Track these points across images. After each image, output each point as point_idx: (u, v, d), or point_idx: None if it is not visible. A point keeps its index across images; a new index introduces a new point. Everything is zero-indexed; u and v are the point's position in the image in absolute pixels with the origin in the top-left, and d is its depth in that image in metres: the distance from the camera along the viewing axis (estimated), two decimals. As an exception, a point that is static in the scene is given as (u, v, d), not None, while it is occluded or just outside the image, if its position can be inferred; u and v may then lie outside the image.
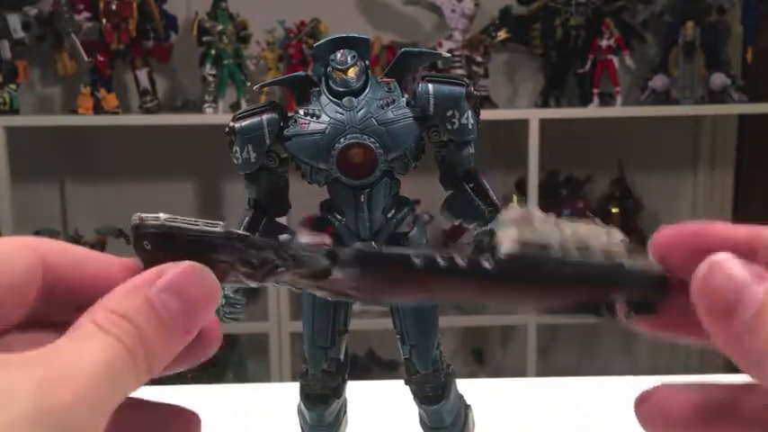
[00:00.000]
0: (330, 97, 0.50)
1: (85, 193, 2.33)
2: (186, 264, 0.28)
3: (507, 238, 0.30)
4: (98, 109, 2.03)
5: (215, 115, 2.03)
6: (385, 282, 0.30)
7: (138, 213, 0.29)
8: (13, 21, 2.03)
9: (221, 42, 2.03)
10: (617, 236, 0.31)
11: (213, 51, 2.03)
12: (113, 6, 2.01)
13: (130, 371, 0.25)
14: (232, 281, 0.30)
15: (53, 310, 0.29)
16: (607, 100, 2.09)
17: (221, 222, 0.29)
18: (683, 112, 2.13)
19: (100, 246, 2.12)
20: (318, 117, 0.49)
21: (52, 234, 2.12)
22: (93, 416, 0.24)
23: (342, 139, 0.49)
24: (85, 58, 2.04)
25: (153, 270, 0.28)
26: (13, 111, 2.03)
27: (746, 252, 0.29)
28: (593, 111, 2.07)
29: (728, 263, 0.28)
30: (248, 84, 2.05)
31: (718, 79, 2.04)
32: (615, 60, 2.06)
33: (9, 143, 1.97)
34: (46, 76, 2.24)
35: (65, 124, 2.14)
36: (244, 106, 2.03)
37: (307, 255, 0.30)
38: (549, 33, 2.14)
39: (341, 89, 0.50)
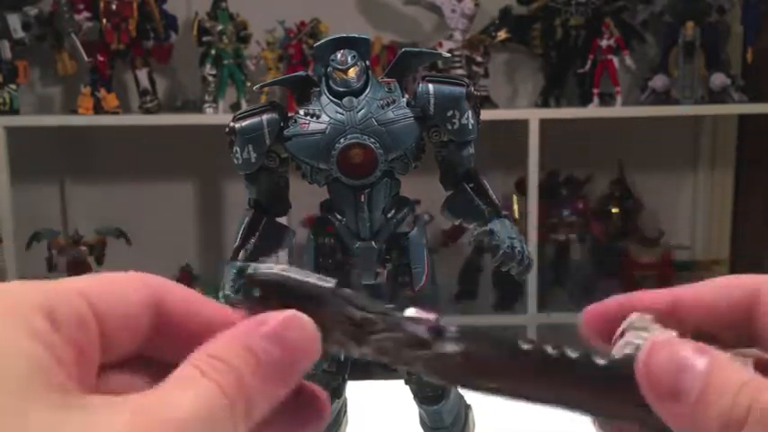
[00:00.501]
0: (330, 97, 0.50)
1: (85, 193, 2.32)
2: (289, 313, 0.28)
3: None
4: (98, 109, 2.03)
5: (215, 115, 2.03)
6: (489, 364, 0.29)
7: (254, 264, 0.30)
8: (13, 21, 2.03)
9: (221, 42, 2.03)
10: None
11: (213, 51, 2.03)
12: (113, 6, 2.01)
13: (227, 416, 0.25)
14: (334, 340, 0.29)
15: (159, 349, 0.29)
16: (607, 100, 2.09)
17: (333, 280, 0.29)
18: (683, 112, 2.13)
19: (100, 246, 2.12)
20: (318, 117, 0.49)
21: (53, 234, 2.12)
22: None
23: (342, 140, 0.49)
24: (85, 58, 2.04)
25: (256, 318, 0.28)
26: (13, 111, 2.03)
27: (670, 315, 0.30)
28: (594, 111, 2.07)
29: (667, 343, 0.27)
30: (248, 84, 2.05)
31: (718, 79, 2.04)
32: (615, 60, 2.06)
33: (9, 143, 1.97)
34: (46, 76, 2.24)
35: (65, 124, 2.14)
36: (244, 106, 2.03)
37: (411, 324, 0.29)
38: (549, 33, 2.13)
39: (341, 89, 0.50)
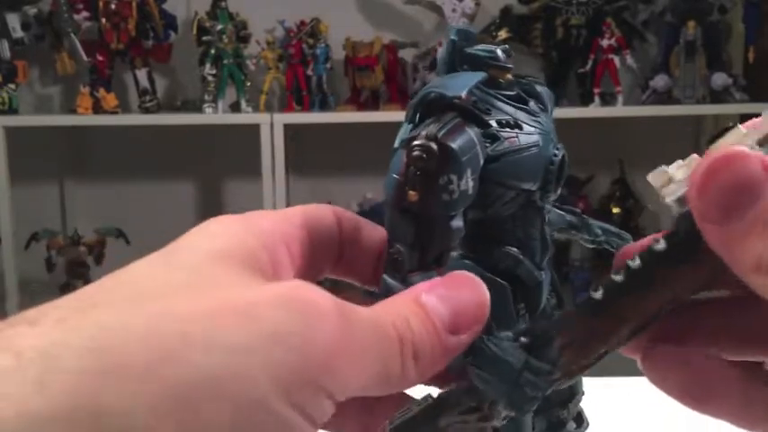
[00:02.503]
0: (513, 103, 0.38)
1: (85, 193, 2.32)
2: (459, 273, 0.29)
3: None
4: (97, 109, 2.02)
5: (215, 115, 2.02)
6: (587, 336, 0.29)
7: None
8: (13, 20, 2.03)
9: (221, 42, 2.02)
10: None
11: (213, 51, 2.02)
12: (113, 6, 2.00)
13: (396, 349, 0.26)
14: None
15: (342, 269, 0.33)
16: (608, 100, 2.09)
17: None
18: (685, 112, 2.12)
19: (99, 246, 2.11)
20: (521, 128, 0.37)
21: (51, 234, 2.11)
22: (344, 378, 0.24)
23: (556, 151, 0.40)
24: (85, 58, 2.04)
25: (430, 281, 0.29)
26: (13, 110, 2.03)
27: None
28: (594, 110, 2.06)
29: (734, 157, 0.24)
30: (248, 83, 2.05)
31: (720, 79, 2.04)
32: (616, 60, 2.06)
33: (8, 143, 1.96)
34: (45, 76, 2.23)
35: (64, 124, 2.13)
36: (243, 106, 2.02)
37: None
38: (550, 33, 2.13)
39: (510, 92, 0.39)
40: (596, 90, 2.06)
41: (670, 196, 0.27)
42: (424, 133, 0.31)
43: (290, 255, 0.29)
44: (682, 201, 0.27)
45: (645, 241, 0.29)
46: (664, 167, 0.28)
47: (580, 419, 0.40)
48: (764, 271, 0.23)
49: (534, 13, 2.14)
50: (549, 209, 0.39)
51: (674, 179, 0.27)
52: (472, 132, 0.34)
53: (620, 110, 2.07)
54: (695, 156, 0.27)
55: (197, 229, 0.29)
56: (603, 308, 0.28)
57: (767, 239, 0.23)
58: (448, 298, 0.28)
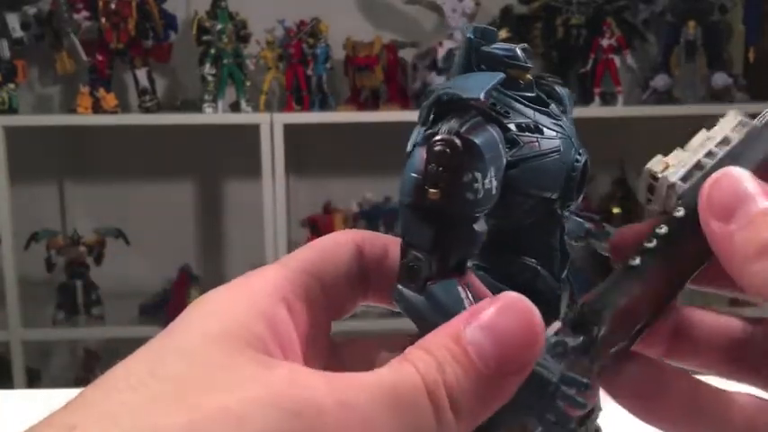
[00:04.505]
0: (533, 105, 0.36)
1: (84, 193, 2.32)
2: (507, 297, 0.26)
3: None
4: (97, 108, 2.02)
5: (214, 115, 2.02)
6: (633, 304, 0.29)
7: None
8: (12, 20, 2.03)
9: (221, 42, 2.02)
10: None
11: (213, 51, 2.02)
12: (113, 5, 2.00)
13: (426, 404, 0.23)
14: None
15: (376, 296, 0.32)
16: (608, 99, 2.09)
17: None
18: (685, 112, 2.12)
19: (99, 246, 2.11)
20: (542, 132, 0.35)
21: (51, 234, 2.11)
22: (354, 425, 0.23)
23: (578, 156, 0.37)
24: (84, 58, 2.04)
25: (473, 308, 0.26)
26: (12, 110, 2.02)
27: None
28: (595, 110, 2.06)
29: (733, 175, 0.28)
30: (248, 83, 2.05)
31: (720, 79, 2.03)
32: (616, 60, 2.06)
33: (8, 143, 1.96)
34: (45, 76, 2.23)
35: (64, 124, 2.13)
36: (243, 106, 2.02)
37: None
38: (550, 32, 2.13)
39: (531, 94, 0.36)
40: (596, 90, 2.06)
41: (674, 176, 0.31)
42: (445, 128, 0.29)
43: (292, 316, 0.27)
44: (685, 178, 0.31)
45: (639, 227, 0.32)
46: (660, 156, 0.33)
47: None
48: (753, 257, 0.26)
49: (534, 13, 2.14)
50: (567, 215, 0.37)
51: (671, 164, 0.32)
52: (494, 131, 0.32)
53: (620, 110, 2.07)
54: (679, 148, 0.33)
55: (193, 307, 0.27)
56: (642, 272, 0.29)
57: (757, 233, 0.26)
58: (494, 329, 0.25)
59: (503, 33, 2.11)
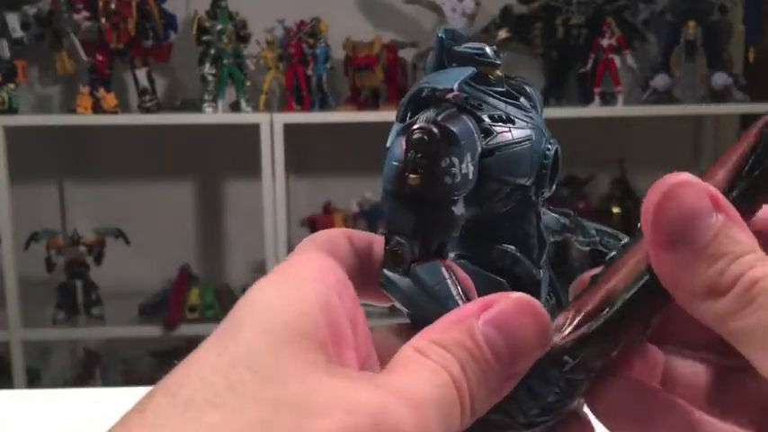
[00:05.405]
0: (503, 98, 0.38)
1: (84, 193, 2.32)
2: (517, 296, 0.26)
3: None
4: (97, 108, 2.02)
5: (214, 115, 2.02)
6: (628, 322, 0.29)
7: None
8: (12, 20, 2.03)
9: (221, 41, 2.02)
10: None
11: (213, 51, 2.02)
12: (112, 5, 2.00)
13: (456, 407, 0.24)
14: None
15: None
16: (608, 99, 2.09)
17: None
18: (685, 112, 2.12)
19: (99, 246, 2.11)
20: (513, 122, 0.37)
21: (51, 234, 2.11)
22: None
23: (549, 145, 0.39)
24: (84, 58, 2.04)
25: (480, 301, 0.26)
26: (12, 110, 2.02)
27: None
28: (595, 110, 2.06)
29: (683, 185, 0.26)
30: (248, 83, 2.05)
31: (720, 79, 2.03)
32: (616, 59, 2.05)
33: (8, 143, 1.96)
34: (45, 76, 2.23)
35: (64, 124, 2.13)
36: (243, 106, 2.02)
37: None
38: (550, 32, 2.13)
39: (501, 89, 0.38)
40: (596, 90, 2.06)
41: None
42: (423, 118, 0.31)
43: (344, 308, 0.27)
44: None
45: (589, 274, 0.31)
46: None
47: None
48: (708, 296, 0.24)
49: (534, 13, 2.14)
50: (543, 210, 0.39)
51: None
52: (469, 121, 0.34)
53: (620, 110, 2.07)
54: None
55: (249, 301, 0.26)
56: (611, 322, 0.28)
57: (711, 265, 0.24)
58: (506, 326, 0.25)
59: (503, 33, 2.12)
